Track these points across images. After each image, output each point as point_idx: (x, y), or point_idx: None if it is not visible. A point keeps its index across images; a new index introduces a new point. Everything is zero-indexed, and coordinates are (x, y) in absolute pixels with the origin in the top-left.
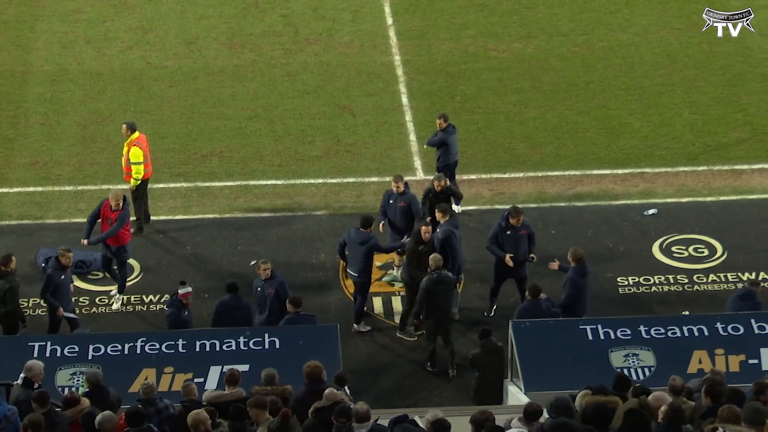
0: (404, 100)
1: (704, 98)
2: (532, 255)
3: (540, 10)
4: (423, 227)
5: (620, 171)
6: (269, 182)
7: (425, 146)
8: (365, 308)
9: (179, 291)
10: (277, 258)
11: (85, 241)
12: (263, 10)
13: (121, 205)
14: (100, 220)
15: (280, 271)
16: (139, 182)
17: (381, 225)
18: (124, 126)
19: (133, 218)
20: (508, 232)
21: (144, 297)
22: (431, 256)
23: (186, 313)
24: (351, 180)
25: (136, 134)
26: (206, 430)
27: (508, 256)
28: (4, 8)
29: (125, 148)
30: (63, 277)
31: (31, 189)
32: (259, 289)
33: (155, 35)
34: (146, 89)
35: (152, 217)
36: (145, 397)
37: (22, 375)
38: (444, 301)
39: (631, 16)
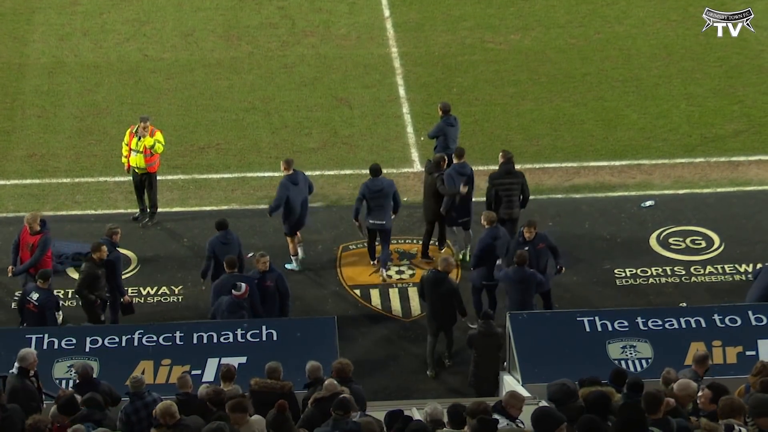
0: (401, 92)
1: (701, 90)
2: (559, 266)
3: (537, 2)
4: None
5: (617, 163)
6: (266, 174)
7: (422, 137)
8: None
9: (235, 292)
10: (274, 250)
11: (11, 270)
12: (260, 2)
13: (39, 228)
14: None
15: (276, 263)
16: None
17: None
18: (145, 122)
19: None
20: (526, 248)
21: (141, 289)
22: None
23: (243, 312)
24: (348, 172)
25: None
26: (175, 423)
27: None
28: (1, 0)
29: (142, 143)
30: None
31: (28, 181)
32: (257, 281)
33: (152, 27)
34: (143, 81)
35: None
36: (133, 390)
37: (16, 365)
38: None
39: (628, 8)
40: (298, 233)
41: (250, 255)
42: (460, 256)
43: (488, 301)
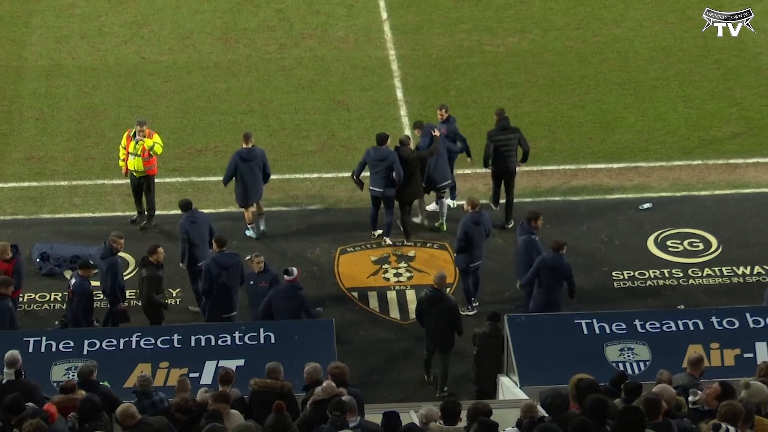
0: (399, 94)
1: (699, 92)
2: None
3: (534, 5)
4: None
5: (615, 165)
6: None
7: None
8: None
9: (288, 277)
10: (272, 252)
11: None
12: (258, 5)
13: (10, 255)
14: None
15: (274, 265)
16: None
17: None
18: (142, 126)
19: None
20: (533, 237)
21: (138, 291)
22: (436, 275)
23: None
24: (346, 174)
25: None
26: (136, 423)
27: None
28: None
29: (139, 146)
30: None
31: (26, 184)
32: (252, 282)
33: (150, 30)
34: (141, 84)
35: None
36: (141, 389)
37: (7, 370)
38: (438, 320)
39: (626, 11)
40: (256, 205)
41: (247, 258)
42: (437, 225)
43: (472, 282)
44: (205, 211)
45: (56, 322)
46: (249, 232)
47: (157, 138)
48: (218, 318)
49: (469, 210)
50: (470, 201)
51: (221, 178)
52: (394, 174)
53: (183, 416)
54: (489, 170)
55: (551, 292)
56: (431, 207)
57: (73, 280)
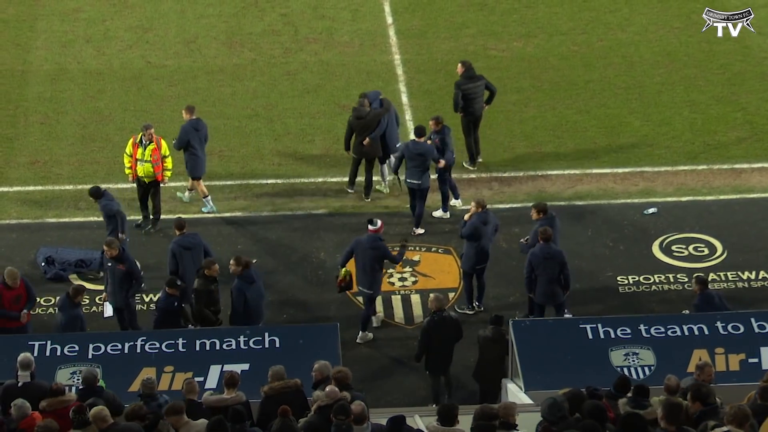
0: (404, 99)
1: (704, 97)
2: None
3: (539, 9)
4: None
5: (620, 170)
6: (269, 181)
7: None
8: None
9: (372, 227)
10: (277, 256)
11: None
12: (263, 9)
13: (19, 282)
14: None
15: (279, 270)
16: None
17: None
18: (148, 129)
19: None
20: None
21: (144, 296)
22: (433, 296)
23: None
24: None
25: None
26: (107, 427)
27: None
28: (4, 7)
29: (148, 151)
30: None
31: (31, 188)
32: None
33: (155, 34)
34: (146, 88)
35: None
36: (146, 393)
37: (22, 373)
38: (446, 344)
39: (631, 15)
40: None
41: (255, 261)
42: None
43: (477, 285)
44: (210, 215)
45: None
46: (206, 208)
47: (163, 143)
48: (187, 299)
49: (477, 210)
50: (478, 201)
51: (227, 182)
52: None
53: (141, 423)
54: (459, 115)
55: (550, 283)
56: (437, 213)
57: (159, 295)
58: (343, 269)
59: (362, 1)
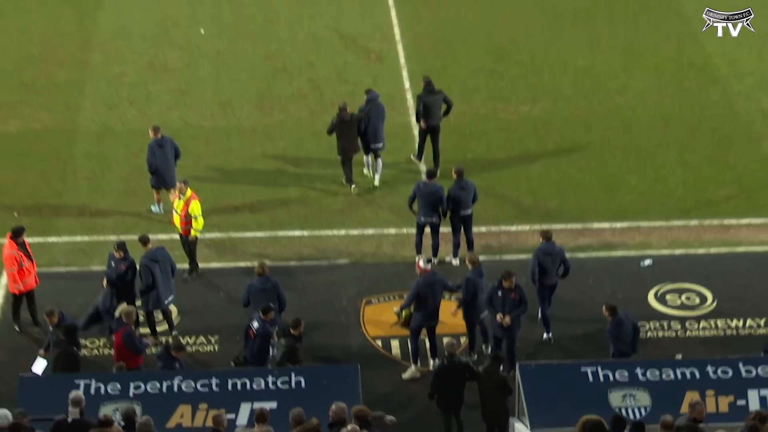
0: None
1: (696, 158)
2: (519, 314)
3: (545, 76)
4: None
5: (618, 224)
6: (296, 233)
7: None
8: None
9: (422, 266)
10: (303, 302)
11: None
12: (291, 75)
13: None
14: None
15: (302, 316)
16: (199, 233)
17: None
18: (182, 183)
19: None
20: (499, 293)
21: (180, 339)
22: (447, 341)
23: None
24: (371, 231)
25: (190, 190)
26: None
27: (499, 315)
28: (55, 72)
29: (181, 203)
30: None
31: (78, 238)
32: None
33: (192, 97)
34: (184, 147)
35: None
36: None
37: (72, 409)
38: (456, 386)
39: (629, 82)
40: (168, 190)
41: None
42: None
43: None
44: (242, 264)
45: (231, 362)
46: (154, 208)
47: (194, 204)
48: (161, 305)
49: (471, 266)
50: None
51: (257, 234)
52: (441, 207)
53: None
54: (421, 126)
55: (548, 275)
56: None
57: (255, 324)
58: (405, 311)
59: (382, 67)
